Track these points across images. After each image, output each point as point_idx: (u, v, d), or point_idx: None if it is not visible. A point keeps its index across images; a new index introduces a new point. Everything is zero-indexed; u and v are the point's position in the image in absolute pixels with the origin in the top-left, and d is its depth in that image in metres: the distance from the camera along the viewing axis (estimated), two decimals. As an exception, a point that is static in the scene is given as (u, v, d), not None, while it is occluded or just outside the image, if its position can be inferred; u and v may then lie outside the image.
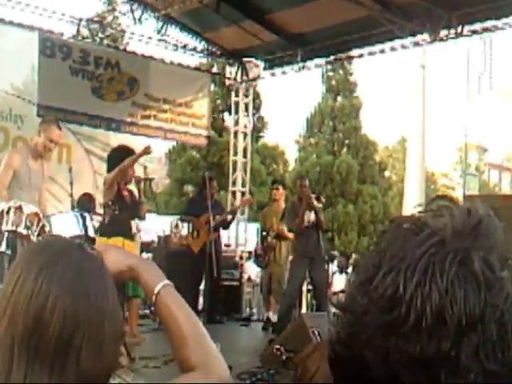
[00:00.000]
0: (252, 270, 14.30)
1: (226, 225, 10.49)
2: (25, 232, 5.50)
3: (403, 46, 11.12)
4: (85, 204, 7.65)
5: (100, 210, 9.11)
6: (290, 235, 9.89)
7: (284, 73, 12.99)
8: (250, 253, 13.93)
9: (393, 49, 11.22)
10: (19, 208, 5.54)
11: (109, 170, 7.59)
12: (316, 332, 6.73)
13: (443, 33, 10.25)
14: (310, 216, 9.09)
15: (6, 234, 5.56)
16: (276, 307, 9.97)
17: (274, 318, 9.83)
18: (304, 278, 9.31)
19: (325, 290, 9.67)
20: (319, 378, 1.58)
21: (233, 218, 10.67)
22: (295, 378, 1.72)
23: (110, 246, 1.47)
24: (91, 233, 5.62)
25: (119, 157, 7.53)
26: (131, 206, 7.59)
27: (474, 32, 10.32)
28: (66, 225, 5.49)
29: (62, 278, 1.14)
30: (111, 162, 7.65)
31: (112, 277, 1.24)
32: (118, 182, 7.48)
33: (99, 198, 10.58)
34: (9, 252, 5.57)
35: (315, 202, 9.15)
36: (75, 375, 1.13)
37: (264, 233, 10.65)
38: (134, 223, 9.14)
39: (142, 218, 7.91)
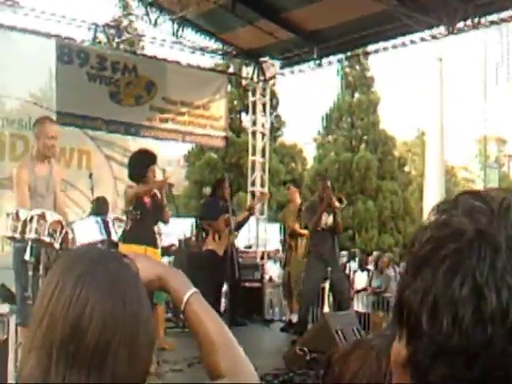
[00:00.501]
0: (273, 271, 14.30)
1: (240, 225, 10.44)
2: (48, 240, 5.52)
3: (420, 40, 11.06)
4: (100, 207, 7.64)
5: (121, 216, 9.16)
6: (304, 231, 9.90)
7: (300, 71, 12.97)
8: (269, 252, 13.93)
9: (410, 43, 11.16)
10: (42, 216, 5.56)
11: (129, 175, 7.61)
12: (340, 332, 6.71)
13: (460, 25, 10.18)
14: (328, 219, 9.08)
15: (30, 242, 5.59)
16: (296, 308, 9.98)
17: (295, 319, 9.85)
18: (321, 279, 9.30)
19: (345, 291, 9.65)
20: (363, 377, 1.56)
21: (248, 218, 10.60)
22: (332, 377, 1.68)
23: (139, 254, 1.48)
24: (114, 237, 5.63)
25: (139, 162, 7.58)
26: (153, 211, 7.58)
27: (491, 23, 10.24)
28: (88, 230, 5.50)
29: (99, 286, 1.17)
30: (131, 167, 7.69)
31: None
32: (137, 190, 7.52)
33: (120, 204, 10.64)
34: (32, 260, 5.60)
35: (337, 203, 9.12)
36: (111, 380, 1.15)
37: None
38: (156, 228, 9.16)
39: (166, 222, 7.92)
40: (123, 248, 7.35)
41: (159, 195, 7.59)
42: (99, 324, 1.14)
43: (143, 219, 7.47)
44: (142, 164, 7.56)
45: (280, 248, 12.08)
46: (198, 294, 1.39)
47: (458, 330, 0.78)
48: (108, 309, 1.15)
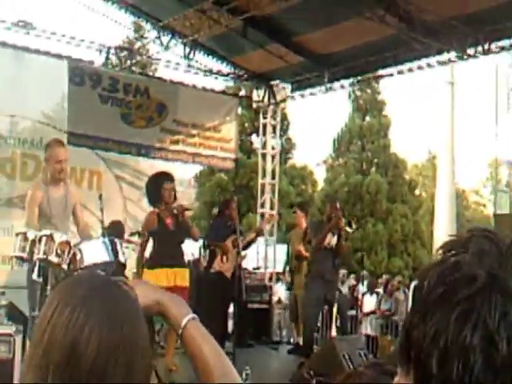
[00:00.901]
0: (282, 292, 14.27)
1: (246, 246, 10.45)
2: (56, 260, 5.56)
3: (430, 65, 11.10)
4: (114, 231, 7.72)
5: (131, 237, 9.21)
6: (308, 255, 9.92)
7: (311, 94, 13.04)
8: (278, 274, 13.91)
9: (420, 67, 11.20)
10: (50, 237, 5.61)
11: (148, 201, 7.78)
12: (347, 356, 6.69)
13: (471, 50, 10.22)
14: (332, 239, 9.05)
15: (38, 262, 5.63)
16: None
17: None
18: (322, 299, 9.21)
19: (345, 312, 9.63)
20: None
21: (257, 237, 10.61)
22: None
23: (138, 281, 1.51)
24: (122, 259, 5.65)
25: (153, 184, 7.76)
26: (177, 231, 7.64)
27: (502, 48, 10.26)
28: (95, 252, 5.52)
29: (98, 312, 1.19)
30: (147, 191, 7.89)
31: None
32: (158, 213, 7.60)
33: (130, 224, 10.69)
34: (40, 280, 5.63)
35: (346, 227, 9.11)
36: None
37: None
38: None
39: (196, 239, 8.05)
40: (147, 273, 7.43)
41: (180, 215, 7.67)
42: (95, 349, 1.15)
43: (166, 241, 7.54)
44: (155, 185, 7.72)
45: (285, 270, 12.07)
46: (196, 319, 1.41)
47: (469, 377, 0.79)
48: (105, 335, 1.17)
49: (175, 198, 7.84)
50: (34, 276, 5.62)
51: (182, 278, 7.57)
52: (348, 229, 9.13)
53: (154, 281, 7.00)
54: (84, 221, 6.88)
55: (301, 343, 9.98)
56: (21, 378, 1.23)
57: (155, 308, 1.41)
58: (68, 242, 5.63)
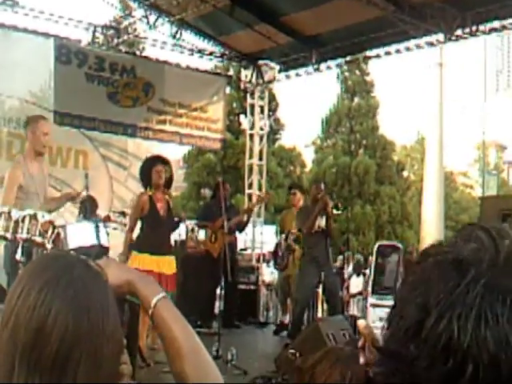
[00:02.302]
0: (269, 273, 14.28)
1: (241, 227, 10.49)
2: (40, 240, 5.53)
3: (418, 46, 11.09)
4: (88, 207, 7.63)
5: (117, 218, 9.18)
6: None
7: (299, 75, 13.00)
8: (264, 255, 13.92)
9: (408, 49, 11.19)
10: (34, 216, 5.58)
11: (142, 182, 7.74)
12: (331, 336, 6.71)
13: (458, 32, 10.21)
14: (321, 222, 9.07)
15: (22, 242, 5.61)
16: (290, 309, 10.01)
17: (287, 320, 9.88)
18: (315, 282, 9.27)
19: (338, 294, 9.64)
20: None
21: (248, 219, 10.67)
22: None
23: (109, 260, 1.49)
24: (104, 242, 5.62)
25: (143, 167, 7.74)
26: (167, 218, 7.60)
27: (490, 30, 10.26)
28: (81, 234, 5.49)
29: (64, 293, 1.17)
30: (139, 175, 7.84)
31: (112, 291, 1.27)
32: (151, 196, 7.54)
33: (116, 204, 10.68)
34: (24, 260, 5.61)
35: (334, 210, 9.13)
36: None
37: (282, 235, 10.66)
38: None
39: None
40: (136, 257, 7.39)
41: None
42: (61, 331, 1.14)
43: (157, 227, 7.48)
44: (146, 167, 7.66)
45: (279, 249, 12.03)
46: (167, 298, 1.40)
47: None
48: (71, 317, 1.15)
49: (169, 183, 7.77)
50: (18, 256, 5.60)
51: (169, 265, 7.53)
52: (335, 211, 9.15)
53: (140, 265, 6.98)
54: (48, 192, 6.81)
55: (286, 322, 10.05)
56: None
57: (126, 288, 1.39)
58: (51, 222, 5.60)
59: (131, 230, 7.70)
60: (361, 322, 1.04)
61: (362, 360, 0.97)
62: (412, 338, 0.80)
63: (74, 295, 1.18)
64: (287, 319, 10.26)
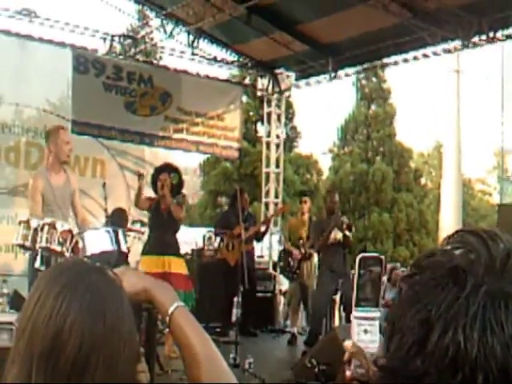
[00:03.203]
0: (284, 281, 14.25)
1: (259, 236, 10.50)
2: (59, 249, 5.58)
3: (435, 53, 11.05)
4: (118, 219, 7.77)
5: (133, 226, 9.23)
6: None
7: (316, 82, 12.99)
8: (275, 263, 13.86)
9: (425, 56, 11.15)
10: (52, 225, 5.63)
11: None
12: (349, 344, 6.69)
13: (475, 38, 10.17)
14: (337, 234, 9.06)
15: (40, 250, 5.65)
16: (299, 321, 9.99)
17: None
18: (333, 291, 9.27)
19: None
20: None
21: (266, 229, 10.69)
22: None
23: (126, 268, 1.50)
24: (124, 248, 5.66)
25: (152, 177, 7.93)
26: (169, 219, 7.73)
27: (508, 37, 10.20)
28: (98, 240, 5.53)
29: (81, 301, 1.18)
30: (151, 185, 8.03)
31: (129, 299, 1.28)
32: (157, 199, 7.74)
33: (134, 212, 10.72)
34: (43, 268, 5.65)
35: (346, 232, 9.11)
36: None
37: (287, 243, 10.55)
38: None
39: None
40: (144, 261, 7.56)
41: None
42: (78, 338, 1.15)
43: (160, 229, 7.66)
44: (153, 177, 8.00)
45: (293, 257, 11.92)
46: (184, 307, 1.41)
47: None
48: (88, 324, 1.17)
49: (177, 189, 7.93)
50: (37, 264, 5.64)
51: (176, 265, 7.62)
52: (347, 232, 9.12)
53: (146, 267, 7.15)
54: (83, 212, 6.96)
55: (296, 334, 10.04)
56: (5, 372, 1.20)
57: (143, 295, 1.40)
58: (70, 231, 5.65)
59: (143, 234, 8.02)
60: (347, 343, 1.04)
61: (348, 373, 0.98)
62: (417, 353, 0.80)
63: (90, 302, 1.19)
64: (296, 330, 10.25)
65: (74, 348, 1.15)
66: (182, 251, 12.13)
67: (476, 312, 0.77)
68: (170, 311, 1.38)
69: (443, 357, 0.77)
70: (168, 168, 8.04)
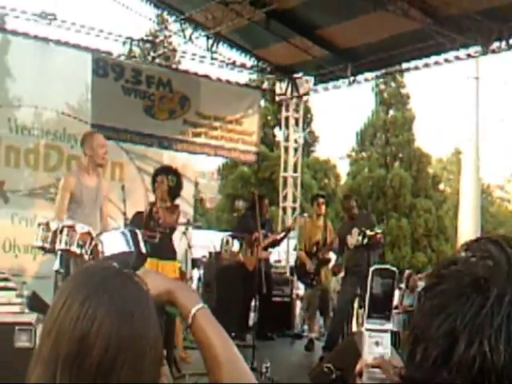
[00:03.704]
0: (301, 286, 14.22)
1: (276, 243, 10.51)
2: (78, 251, 5.61)
3: (455, 59, 10.99)
4: (138, 222, 7.79)
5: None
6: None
7: (334, 87, 12.98)
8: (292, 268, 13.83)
9: (445, 61, 11.10)
10: (72, 227, 5.66)
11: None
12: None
13: (495, 45, 10.12)
14: (358, 238, 8.98)
15: (60, 252, 5.68)
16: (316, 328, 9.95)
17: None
18: (354, 295, 9.23)
19: None
20: None
21: (284, 236, 10.66)
22: None
23: (149, 270, 1.52)
24: (143, 249, 5.68)
25: (151, 180, 7.94)
26: (165, 226, 7.67)
27: (527, 44, 10.14)
28: (115, 242, 5.54)
29: (108, 304, 1.19)
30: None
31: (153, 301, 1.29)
32: (152, 203, 7.73)
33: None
34: (62, 270, 5.69)
35: (359, 238, 9.05)
36: None
37: (299, 253, 10.48)
38: (186, 240, 9.20)
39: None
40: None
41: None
42: (105, 340, 1.16)
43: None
44: (152, 179, 8.02)
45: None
46: (206, 308, 1.42)
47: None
48: (114, 327, 1.17)
49: (175, 192, 7.90)
50: (56, 266, 5.68)
51: (168, 269, 7.55)
52: (360, 239, 9.05)
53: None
54: (106, 217, 7.04)
55: (314, 339, 10.00)
56: (29, 371, 1.21)
57: (165, 296, 1.41)
58: (89, 233, 5.68)
59: None
60: (364, 360, 1.04)
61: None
62: (443, 365, 0.80)
63: (117, 306, 1.20)
64: (314, 335, 10.21)
65: (100, 350, 1.16)
66: (199, 254, 12.19)
67: (501, 322, 0.78)
68: (192, 313, 1.39)
69: (470, 368, 0.77)
70: (166, 170, 8.01)
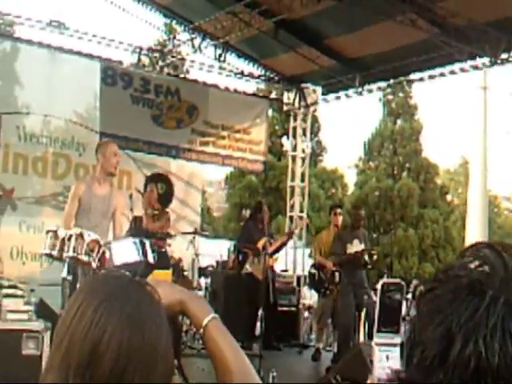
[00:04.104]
0: (308, 296, 14.20)
1: (281, 248, 10.51)
2: (86, 259, 5.62)
3: (463, 70, 10.98)
4: (137, 226, 7.81)
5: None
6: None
7: (342, 97, 12.98)
8: (305, 277, 13.79)
9: (452, 72, 11.09)
10: (80, 235, 5.67)
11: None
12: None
13: (503, 55, 10.11)
14: (358, 247, 9.05)
15: (68, 260, 5.69)
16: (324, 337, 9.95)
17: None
18: (354, 305, 9.23)
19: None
20: None
21: (287, 240, 10.64)
22: None
23: (160, 281, 1.52)
24: (151, 259, 5.69)
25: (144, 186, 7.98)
26: (155, 234, 7.68)
27: (536, 54, 10.12)
28: (125, 251, 5.56)
29: (120, 313, 1.19)
30: None
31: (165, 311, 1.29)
32: (144, 216, 7.77)
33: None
34: (70, 278, 5.70)
35: (366, 257, 9.10)
36: None
37: (317, 257, 10.44)
38: (193, 249, 9.23)
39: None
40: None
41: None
42: (116, 350, 1.15)
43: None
44: (143, 187, 8.15)
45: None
46: (217, 319, 1.42)
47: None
48: (126, 336, 1.17)
49: (165, 199, 7.92)
50: (64, 274, 5.69)
51: (159, 278, 7.52)
52: (367, 258, 9.11)
53: None
54: (120, 230, 6.99)
55: (321, 349, 9.98)
56: (40, 380, 1.21)
57: (177, 307, 1.41)
58: (97, 241, 5.69)
59: None
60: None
61: None
62: (439, 366, 0.81)
63: (129, 315, 1.19)
64: (321, 345, 10.18)
65: (110, 360, 1.15)
66: (206, 263, 12.18)
67: (496, 322, 0.79)
68: (204, 323, 1.40)
69: (465, 368, 0.79)
70: (156, 178, 8.09)
